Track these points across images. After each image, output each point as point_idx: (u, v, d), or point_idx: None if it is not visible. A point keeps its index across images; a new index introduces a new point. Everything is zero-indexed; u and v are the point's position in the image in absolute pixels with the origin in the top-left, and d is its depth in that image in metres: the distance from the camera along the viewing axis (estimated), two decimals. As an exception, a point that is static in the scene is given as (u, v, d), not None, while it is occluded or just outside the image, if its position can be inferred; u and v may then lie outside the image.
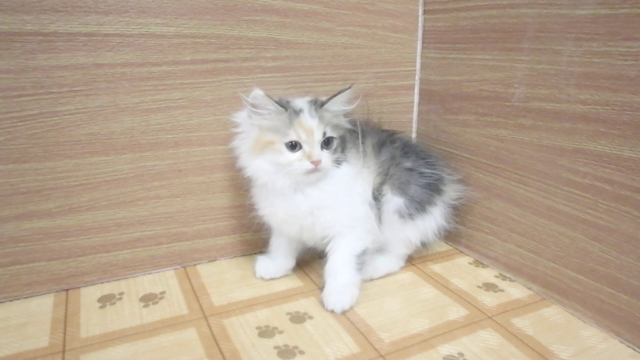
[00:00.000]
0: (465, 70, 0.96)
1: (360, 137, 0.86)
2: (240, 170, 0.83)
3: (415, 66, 1.07)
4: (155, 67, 0.84)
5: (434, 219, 0.91)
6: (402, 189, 0.89)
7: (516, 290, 0.87)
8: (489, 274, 0.93)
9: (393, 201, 0.88)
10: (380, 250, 0.92)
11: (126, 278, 0.91)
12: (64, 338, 0.74)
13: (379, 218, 0.88)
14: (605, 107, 0.72)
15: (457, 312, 0.81)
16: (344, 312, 0.80)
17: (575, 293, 0.80)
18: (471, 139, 0.97)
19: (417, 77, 1.08)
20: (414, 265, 0.97)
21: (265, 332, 0.76)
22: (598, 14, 0.71)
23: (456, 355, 0.71)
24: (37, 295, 0.85)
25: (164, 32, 0.83)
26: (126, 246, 0.90)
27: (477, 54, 0.93)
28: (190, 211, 0.93)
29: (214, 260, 0.98)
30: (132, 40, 0.81)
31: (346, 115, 0.85)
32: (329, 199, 0.81)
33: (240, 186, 0.94)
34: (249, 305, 0.83)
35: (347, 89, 0.80)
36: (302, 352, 0.71)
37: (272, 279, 0.91)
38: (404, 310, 0.82)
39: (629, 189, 0.70)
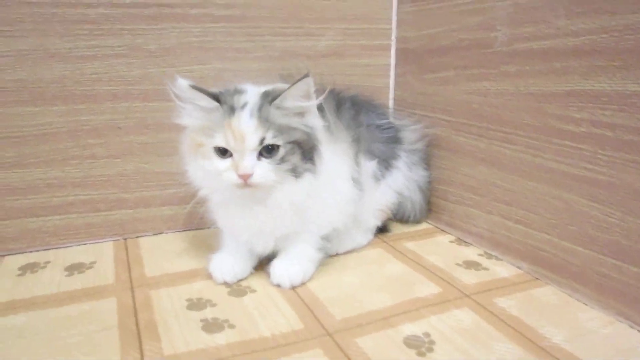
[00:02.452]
0: (442, 20, 0.84)
1: (328, 112, 0.70)
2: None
3: (391, 24, 0.96)
4: (90, 9, 0.75)
5: (401, 172, 0.82)
6: (370, 150, 0.78)
7: (503, 269, 0.74)
8: (471, 252, 0.80)
9: (367, 166, 0.78)
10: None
11: (58, 248, 0.81)
12: (-36, 304, 0.64)
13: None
14: (603, 36, 0.59)
15: (427, 289, 0.68)
16: (293, 288, 0.68)
17: (573, 269, 0.66)
18: (452, 98, 0.84)
19: (393, 36, 0.97)
20: (385, 242, 0.84)
21: (196, 304, 0.64)
22: None
23: (421, 335, 0.57)
24: (-47, 262, 0.76)
25: (100, -31, 0.75)
26: (58, 211, 0.80)
27: None
28: (132, 175, 0.83)
29: (160, 233, 0.87)
30: (63, -24, 0.73)
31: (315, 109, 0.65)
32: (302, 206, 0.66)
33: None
34: (186, 277, 0.72)
35: (302, 79, 0.60)
36: (232, 326, 0.59)
37: (239, 280, 0.70)
38: (364, 285, 0.69)
39: (635, 132, 0.57)
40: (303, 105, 0.63)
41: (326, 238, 0.72)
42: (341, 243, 0.78)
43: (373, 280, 0.70)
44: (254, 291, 0.68)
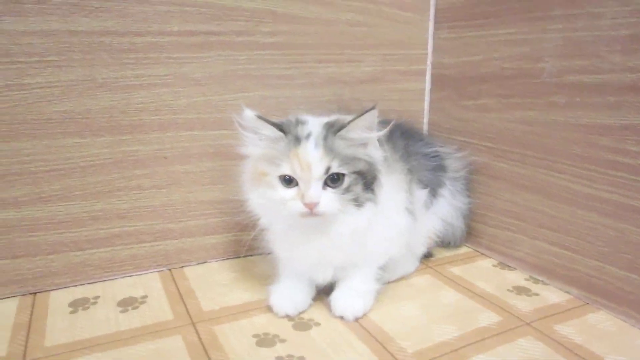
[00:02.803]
0: (483, 48, 0.86)
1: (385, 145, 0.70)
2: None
3: (426, 49, 0.98)
4: (137, 38, 0.74)
5: (446, 199, 0.83)
6: (421, 180, 0.79)
7: (553, 294, 0.76)
8: (517, 277, 0.82)
9: (419, 195, 0.79)
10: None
11: (103, 281, 0.79)
12: (25, 347, 0.62)
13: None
14: (660, 74, 0.62)
15: (488, 318, 0.69)
16: (356, 320, 0.69)
17: (627, 296, 0.68)
18: (492, 125, 0.86)
19: (428, 62, 0.98)
20: (430, 268, 0.85)
21: (264, 340, 0.64)
22: (647, -34, 0.62)
23: (493, 367, 0.59)
24: (-2, 299, 0.73)
25: (149, -2, 0.73)
26: (104, 243, 0.78)
27: (499, 29, 0.83)
28: (177, 205, 0.82)
29: (204, 263, 0.86)
30: (111, 6, 0.71)
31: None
32: (362, 235, 0.66)
33: (234, 178, 0.84)
34: (244, 310, 0.71)
35: (369, 111, 0.61)
36: (308, 364, 0.59)
37: (300, 313, 0.71)
38: (425, 315, 0.70)
39: (692, 167, 0.59)
40: (367, 137, 0.64)
41: (383, 268, 0.73)
42: (393, 271, 0.79)
43: (432, 309, 0.71)
44: (317, 324, 0.68)
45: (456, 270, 0.84)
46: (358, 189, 0.63)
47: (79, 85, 0.72)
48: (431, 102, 1.00)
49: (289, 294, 0.70)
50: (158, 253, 0.82)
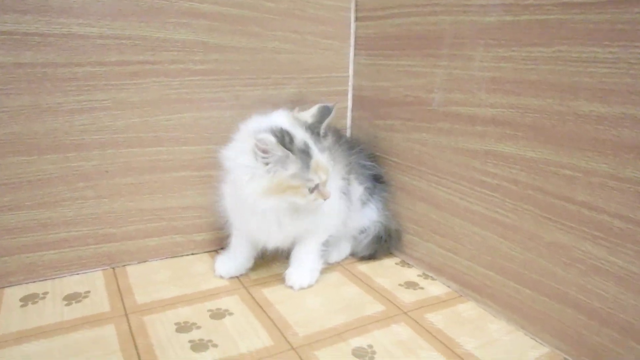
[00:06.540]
0: (392, 76, 0.99)
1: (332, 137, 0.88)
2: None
3: (348, 72, 1.10)
4: (78, 68, 0.84)
5: (375, 205, 0.99)
6: (360, 179, 0.96)
7: (436, 288, 0.90)
8: (412, 274, 0.96)
9: (357, 189, 0.96)
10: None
11: (52, 278, 0.91)
12: (-23, 337, 0.74)
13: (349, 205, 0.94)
14: (511, 110, 0.75)
15: (374, 308, 0.83)
16: (301, 289, 0.89)
17: (487, 289, 0.83)
18: (398, 144, 0.99)
19: (350, 83, 1.11)
20: (341, 265, 0.99)
21: (183, 327, 0.77)
22: (503, 20, 0.75)
23: (365, 347, 0.73)
24: (-44, 296, 0.84)
25: (87, 33, 0.83)
26: (52, 246, 0.89)
27: (402, 60, 0.96)
28: (119, 212, 0.93)
29: (144, 262, 0.98)
30: (53, 40, 0.81)
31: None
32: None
33: (170, 188, 0.96)
34: (172, 303, 0.84)
35: (332, 109, 0.83)
36: (215, 346, 0.72)
37: (231, 277, 0.93)
38: (324, 307, 0.84)
39: (531, 187, 0.73)
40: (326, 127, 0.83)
41: (325, 244, 0.91)
42: (334, 252, 0.98)
43: (332, 302, 0.85)
44: (231, 314, 0.81)
45: (363, 267, 0.98)
46: None
47: (25, 110, 0.82)
48: (352, 119, 1.13)
49: (227, 261, 0.93)
50: (102, 254, 0.94)
